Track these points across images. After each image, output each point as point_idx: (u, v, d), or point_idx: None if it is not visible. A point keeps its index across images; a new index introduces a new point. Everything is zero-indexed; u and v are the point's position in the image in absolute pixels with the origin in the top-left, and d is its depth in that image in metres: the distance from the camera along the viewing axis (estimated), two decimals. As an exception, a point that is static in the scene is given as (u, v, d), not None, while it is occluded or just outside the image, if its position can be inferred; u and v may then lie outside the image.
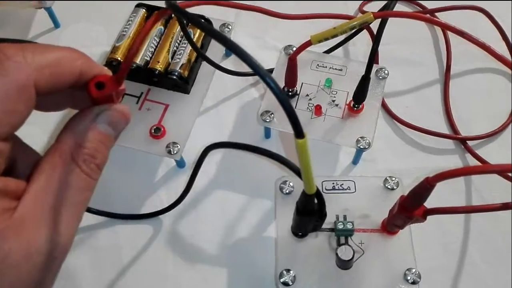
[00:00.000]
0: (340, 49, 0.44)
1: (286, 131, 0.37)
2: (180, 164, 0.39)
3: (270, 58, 0.43)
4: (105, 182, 0.38)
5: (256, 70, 0.20)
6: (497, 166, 0.21)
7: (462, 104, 0.42)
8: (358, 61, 0.40)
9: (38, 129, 0.41)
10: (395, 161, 0.40)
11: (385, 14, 0.31)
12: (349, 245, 0.29)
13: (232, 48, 0.20)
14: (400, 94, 0.43)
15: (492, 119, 0.41)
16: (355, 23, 0.31)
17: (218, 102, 0.43)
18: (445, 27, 0.31)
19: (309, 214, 0.28)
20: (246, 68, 0.44)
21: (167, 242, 0.36)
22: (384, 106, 0.42)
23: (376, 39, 0.32)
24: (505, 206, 0.26)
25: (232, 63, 0.45)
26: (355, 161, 0.39)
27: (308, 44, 0.32)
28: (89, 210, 0.36)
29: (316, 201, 0.27)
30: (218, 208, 0.38)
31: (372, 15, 0.30)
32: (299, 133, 0.21)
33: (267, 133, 0.40)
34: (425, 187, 0.24)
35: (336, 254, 0.29)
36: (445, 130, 0.41)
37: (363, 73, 0.34)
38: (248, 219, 0.37)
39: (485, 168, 0.21)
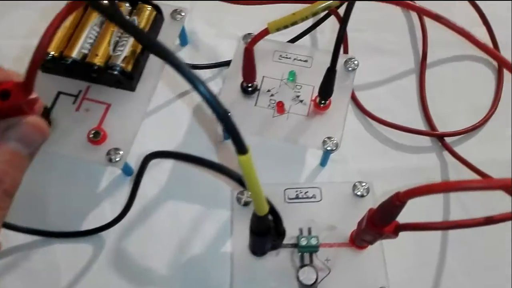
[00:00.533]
0: (307, 37, 0.40)
1: (244, 132, 0.33)
2: (127, 171, 0.35)
3: (229, 48, 0.39)
4: (40, 196, 0.34)
5: (185, 74, 0.16)
6: (483, 182, 0.18)
7: (439, 96, 0.38)
8: (325, 51, 0.36)
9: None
10: (367, 161, 0.36)
11: (351, -3, 0.27)
12: (312, 266, 0.25)
13: (155, 51, 0.16)
14: (373, 87, 0.39)
15: (472, 112, 0.37)
16: (317, 7, 0.26)
17: (170, 100, 0.38)
18: (419, 11, 0.27)
19: (264, 234, 0.24)
20: (203, 60, 0.40)
21: (112, 262, 0.32)
22: (354, 100, 0.38)
23: (342, 26, 0.28)
24: (488, 221, 0.22)
25: (188, 54, 0.40)
26: (323, 163, 0.35)
27: (265, 32, 0.28)
28: (19, 229, 0.31)
29: (271, 217, 0.23)
30: (169, 222, 0.33)
31: (336, -1, 0.26)
32: (240, 148, 0.17)
33: (226, 134, 0.36)
34: (395, 204, 0.20)
35: (297, 278, 0.25)
36: (421, 125, 0.37)
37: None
38: (203, 233, 0.33)
39: (469, 184, 0.17)
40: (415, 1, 0.40)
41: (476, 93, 0.38)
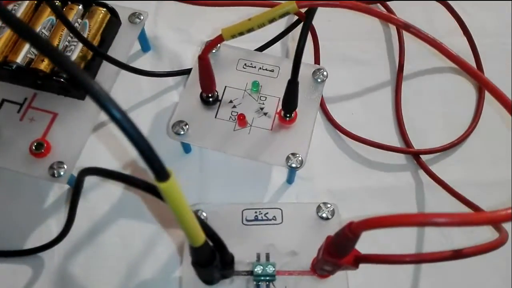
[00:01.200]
0: (277, 45, 0.38)
1: (202, 146, 0.31)
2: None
3: (195, 55, 0.37)
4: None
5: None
6: (445, 217, 0.15)
7: (415, 110, 0.36)
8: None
9: None
10: (337, 179, 0.33)
11: (311, 3, 0.24)
12: (264, 299, 0.23)
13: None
14: (345, 99, 0.37)
15: (450, 129, 0.35)
16: (274, 13, 0.24)
17: (128, 109, 0.35)
18: (387, 19, 0.24)
19: (207, 264, 0.21)
20: (166, 67, 0.38)
21: (53, 285, 0.29)
22: (325, 113, 0.35)
23: (302, 33, 0.25)
24: (456, 255, 0.20)
25: (150, 61, 0.37)
26: (289, 180, 0.33)
27: (219, 39, 0.26)
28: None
29: (213, 245, 0.21)
30: (119, 242, 0.31)
31: (295, 4, 0.24)
32: (159, 174, 0.14)
33: (186, 147, 0.34)
34: (347, 236, 0.18)
35: (248, 311, 0.23)
36: (396, 142, 0.35)
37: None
38: (154, 257, 0.30)
39: (426, 219, 0.15)
40: (392, 10, 0.39)
41: (455, 108, 0.36)
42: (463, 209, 0.31)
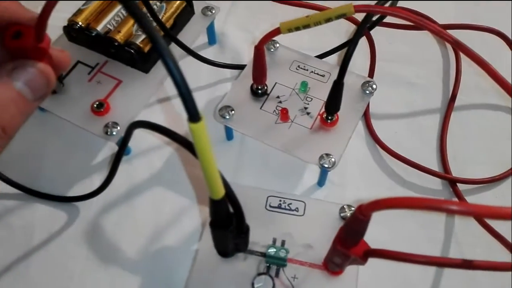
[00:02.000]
0: (334, 56, 0.39)
1: (243, 133, 0.32)
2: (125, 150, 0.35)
3: (254, 54, 0.39)
4: (36, 155, 0.35)
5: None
6: (461, 205, 0.15)
7: (460, 141, 0.36)
8: (347, 71, 0.35)
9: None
10: (368, 191, 0.34)
11: (369, 9, 0.26)
12: (270, 276, 0.23)
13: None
14: (391, 118, 0.37)
15: (492, 165, 0.34)
16: (331, 14, 0.26)
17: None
18: (438, 34, 0.25)
19: (223, 227, 0.22)
20: (227, 61, 0.40)
21: (85, 233, 0.32)
22: (368, 126, 0.36)
23: (354, 37, 0.26)
24: (466, 264, 0.20)
25: (213, 52, 0.40)
26: (320, 183, 0.34)
27: (276, 32, 0.27)
28: (7, 180, 0.32)
29: (232, 210, 0.22)
30: (151, 207, 0.33)
31: (352, 8, 0.25)
32: (192, 114, 0.16)
33: (229, 134, 0.35)
34: (358, 218, 0.19)
35: (252, 284, 0.23)
36: (435, 166, 0.35)
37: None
38: (181, 227, 0.32)
39: (441, 205, 0.15)
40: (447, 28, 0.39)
41: (502, 147, 0.35)
42: (492, 241, 0.30)
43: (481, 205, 0.15)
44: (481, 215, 0.15)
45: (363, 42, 0.39)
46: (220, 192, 0.19)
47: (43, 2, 0.17)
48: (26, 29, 0.19)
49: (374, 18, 0.36)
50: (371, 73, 0.38)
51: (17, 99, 0.19)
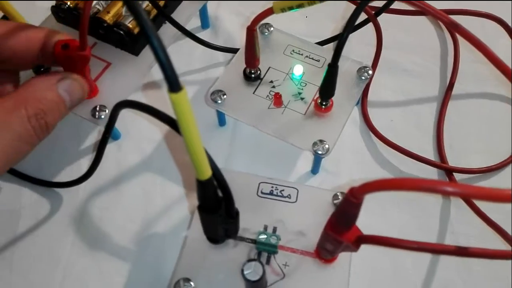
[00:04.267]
0: (334, 44, 0.38)
1: (235, 117, 0.31)
2: (113, 134, 0.34)
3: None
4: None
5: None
6: (470, 189, 0.15)
7: (457, 129, 0.35)
8: (343, 56, 0.34)
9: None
10: (362, 179, 0.32)
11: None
12: (260, 262, 0.23)
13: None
14: (387, 105, 0.36)
15: (489, 154, 0.34)
16: (325, -7, 0.25)
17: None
18: (434, 15, 0.24)
19: (211, 211, 0.22)
20: (221, 44, 0.39)
21: (72, 219, 0.31)
22: (364, 114, 0.35)
23: (349, 21, 0.25)
24: (461, 251, 0.19)
25: (206, 36, 0.39)
26: (314, 170, 0.33)
27: (268, 12, 0.27)
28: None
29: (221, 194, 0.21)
30: (140, 193, 0.32)
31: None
32: (172, 83, 0.15)
33: (221, 119, 0.35)
34: (350, 201, 0.18)
35: (241, 270, 0.23)
36: (431, 156, 0.34)
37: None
38: (171, 213, 0.31)
39: (435, 186, 0.14)
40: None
41: (499, 136, 0.35)
42: (489, 231, 0.30)
43: (478, 186, 0.14)
44: (478, 197, 0.14)
45: (366, 28, 0.38)
46: (207, 172, 0.19)
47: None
48: (71, 42, 0.27)
49: (380, 5, 0.35)
50: (375, 61, 0.37)
51: (60, 103, 0.25)
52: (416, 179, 0.15)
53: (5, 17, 0.29)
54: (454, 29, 0.23)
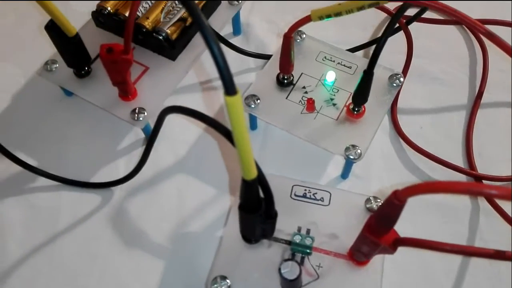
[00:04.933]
0: (364, 52, 0.39)
1: (268, 122, 0.32)
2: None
3: (279, 45, 0.38)
4: (62, 139, 0.35)
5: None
6: (499, 190, 0.15)
7: (486, 138, 0.35)
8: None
9: (18, 70, 0.39)
10: (391, 185, 0.33)
11: (402, -1, 0.25)
12: (297, 262, 0.23)
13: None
14: (417, 113, 0.37)
15: (518, 162, 0.34)
16: (364, 2, 0.25)
17: (208, 79, 0.38)
18: (470, 24, 0.24)
19: (252, 210, 0.22)
20: (251, 49, 0.40)
21: (110, 218, 0.32)
22: (394, 121, 0.36)
23: (387, 27, 0.26)
24: (499, 255, 0.20)
25: (237, 42, 0.40)
26: (344, 175, 0.34)
27: (306, 19, 0.27)
28: (35, 170, 0.32)
29: (262, 195, 0.22)
30: (176, 193, 0.33)
31: (386, -4, 0.25)
32: (228, 87, 0.16)
33: (253, 123, 0.36)
34: (392, 203, 0.19)
35: (279, 269, 0.23)
36: (460, 163, 0.34)
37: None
38: (205, 213, 0.32)
39: (480, 189, 0.15)
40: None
41: (530, 144, 0.35)
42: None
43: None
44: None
45: (397, 37, 0.39)
46: (253, 172, 0.19)
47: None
48: (115, 46, 0.28)
49: (411, 14, 0.35)
50: (405, 69, 0.38)
51: None
52: (462, 182, 0.16)
53: (52, 21, 0.31)
54: (490, 38, 0.24)
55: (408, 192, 0.18)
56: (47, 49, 0.35)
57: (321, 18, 0.27)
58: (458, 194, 0.16)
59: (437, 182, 0.17)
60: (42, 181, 0.33)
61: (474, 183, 0.15)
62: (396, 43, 0.39)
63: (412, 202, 0.32)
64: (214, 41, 0.16)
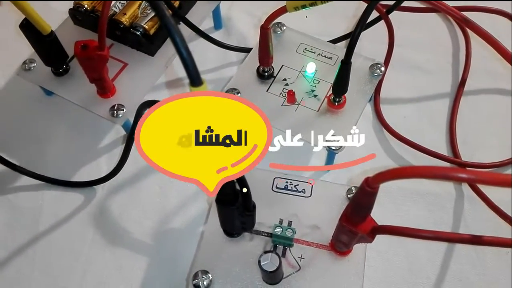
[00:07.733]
0: (345, 42, 0.39)
1: (250, 115, 0.32)
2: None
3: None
4: (42, 138, 0.34)
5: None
6: (485, 175, 0.15)
7: (470, 125, 0.35)
8: (355, 53, 0.34)
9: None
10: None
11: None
12: (277, 254, 0.23)
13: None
14: (400, 102, 0.37)
15: (502, 149, 0.34)
16: (338, -9, 0.25)
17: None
18: (446, 11, 0.24)
19: (229, 203, 0.22)
20: (233, 43, 0.40)
21: (92, 216, 0.32)
22: (377, 111, 0.36)
23: (361, 17, 0.26)
24: (476, 239, 0.19)
25: (219, 37, 0.40)
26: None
27: (282, 10, 0.27)
28: (17, 169, 0.32)
29: (238, 187, 0.22)
30: (158, 191, 0.33)
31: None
32: (193, 78, 0.16)
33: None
34: (365, 190, 0.18)
35: (259, 261, 0.23)
36: (444, 151, 0.34)
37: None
38: (188, 209, 0.32)
39: (446, 172, 0.15)
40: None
41: (511, 130, 0.35)
42: (503, 225, 0.30)
43: (492, 173, 0.15)
44: (492, 183, 0.15)
45: (379, 26, 0.38)
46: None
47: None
48: (90, 43, 0.28)
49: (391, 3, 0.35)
50: (387, 58, 0.38)
51: None
52: (429, 166, 0.16)
53: (26, 19, 0.30)
54: (466, 24, 0.23)
55: (378, 178, 0.17)
56: (26, 49, 0.35)
57: (296, 8, 0.27)
58: (428, 179, 0.16)
59: (405, 168, 0.16)
60: (24, 180, 0.33)
61: (440, 167, 0.15)
62: (378, 33, 0.39)
63: (395, 192, 0.32)
64: (176, 31, 0.16)
